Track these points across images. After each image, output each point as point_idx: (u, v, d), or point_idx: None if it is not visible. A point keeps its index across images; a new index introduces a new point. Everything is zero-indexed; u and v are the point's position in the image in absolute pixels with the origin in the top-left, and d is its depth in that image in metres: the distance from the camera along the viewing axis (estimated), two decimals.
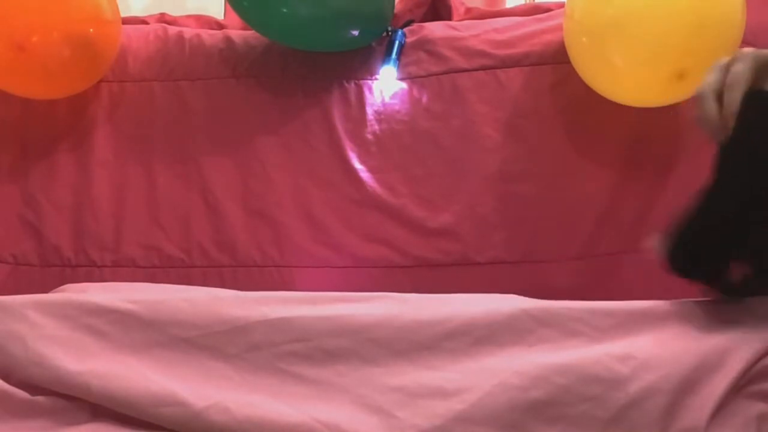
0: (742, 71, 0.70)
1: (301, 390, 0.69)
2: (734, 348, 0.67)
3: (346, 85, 1.34)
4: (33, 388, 0.73)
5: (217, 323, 0.73)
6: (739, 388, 0.65)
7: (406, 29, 1.35)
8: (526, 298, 0.77)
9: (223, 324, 0.73)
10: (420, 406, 0.67)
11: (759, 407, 0.64)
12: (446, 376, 0.68)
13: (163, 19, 1.47)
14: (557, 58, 1.25)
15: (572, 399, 0.65)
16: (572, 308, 0.74)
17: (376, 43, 1.35)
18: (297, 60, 1.35)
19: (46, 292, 1.02)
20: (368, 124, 1.31)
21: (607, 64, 1.11)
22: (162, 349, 0.72)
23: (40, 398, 0.73)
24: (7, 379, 0.74)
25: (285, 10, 1.23)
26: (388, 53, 1.31)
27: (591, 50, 1.13)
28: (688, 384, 0.65)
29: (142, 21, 1.47)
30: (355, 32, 1.28)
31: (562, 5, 1.36)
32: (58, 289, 0.90)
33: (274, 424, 0.66)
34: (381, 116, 1.31)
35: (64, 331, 0.74)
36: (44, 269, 1.31)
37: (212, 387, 0.69)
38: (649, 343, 0.70)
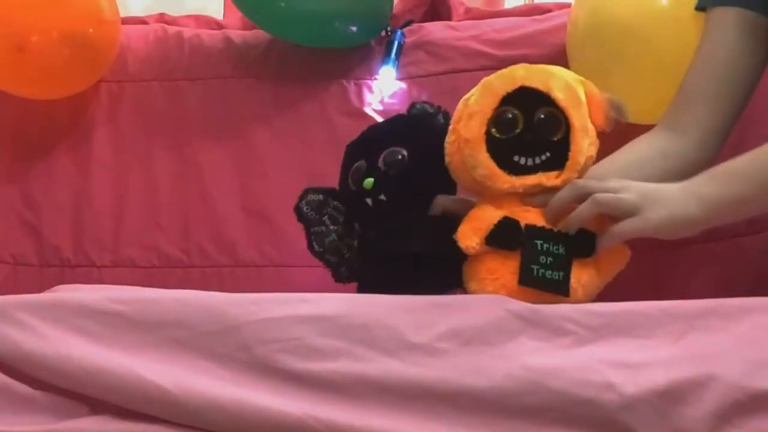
0: None
1: (294, 387, 0.69)
2: (727, 354, 0.67)
3: (346, 84, 1.34)
4: (32, 380, 0.73)
5: (207, 323, 0.73)
6: (737, 401, 0.64)
7: (405, 29, 1.35)
8: (513, 300, 0.77)
9: (212, 324, 0.73)
10: (413, 408, 0.67)
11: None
12: (438, 377, 0.68)
13: (162, 19, 1.47)
14: (557, 59, 1.24)
15: (566, 403, 0.65)
16: (559, 308, 0.74)
17: (375, 43, 1.35)
18: (296, 60, 1.35)
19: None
20: (368, 124, 1.31)
21: (611, 80, 1.09)
22: (153, 349, 0.72)
23: (39, 393, 0.73)
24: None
25: (283, 5, 1.23)
26: (387, 53, 1.31)
27: (593, 65, 1.12)
28: (682, 388, 0.65)
29: (142, 21, 1.47)
30: (353, 28, 1.28)
31: (561, 6, 1.37)
32: (50, 290, 0.90)
33: (269, 421, 0.66)
34: (381, 116, 1.31)
35: (53, 332, 0.73)
36: (43, 269, 1.32)
37: (205, 386, 0.69)
38: (642, 344, 0.70)
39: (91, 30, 1.27)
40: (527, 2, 1.83)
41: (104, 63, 1.33)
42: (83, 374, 0.72)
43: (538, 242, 0.84)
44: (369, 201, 0.93)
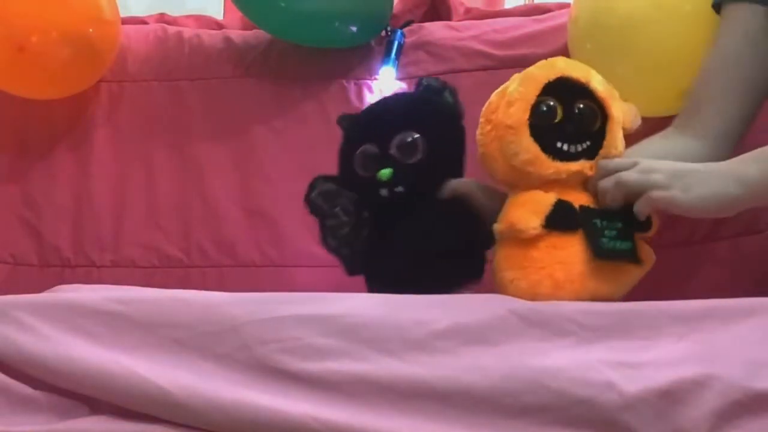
0: None
1: (294, 387, 0.69)
2: (727, 355, 0.67)
3: (346, 84, 1.34)
4: (32, 380, 0.73)
5: (207, 323, 0.73)
6: (736, 401, 0.64)
7: (405, 29, 1.35)
8: (514, 299, 0.77)
9: (212, 324, 0.73)
10: (413, 408, 0.67)
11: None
12: (438, 376, 0.68)
13: (162, 19, 1.48)
14: None
15: (566, 403, 0.65)
16: (561, 308, 0.74)
17: (375, 43, 1.35)
18: (296, 60, 1.35)
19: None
20: None
21: (612, 75, 1.09)
22: (153, 350, 0.72)
23: (39, 393, 0.73)
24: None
25: (283, 5, 1.23)
26: (387, 53, 1.31)
27: (594, 61, 1.12)
28: (683, 388, 0.65)
29: (142, 21, 1.47)
30: (353, 28, 1.28)
31: (561, 6, 1.36)
32: (50, 290, 0.90)
33: (269, 421, 0.66)
34: None
35: (53, 332, 0.74)
36: (43, 269, 1.32)
37: (205, 386, 0.69)
38: (643, 344, 0.70)
39: (91, 30, 1.26)
40: (527, 2, 1.83)
41: (104, 63, 1.33)
42: (83, 374, 0.72)
43: (597, 221, 0.84)
44: (384, 192, 0.89)
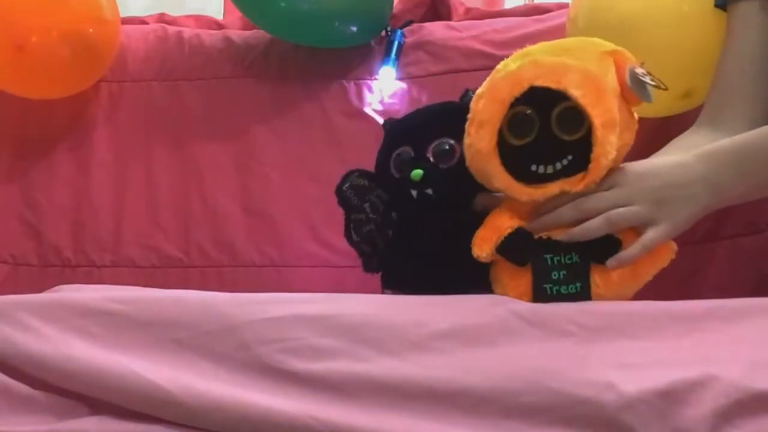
0: None
1: (294, 387, 0.69)
2: (727, 355, 0.67)
3: (346, 84, 1.34)
4: (32, 380, 0.73)
5: (207, 323, 0.73)
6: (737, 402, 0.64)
7: (405, 29, 1.35)
8: (515, 300, 0.77)
9: (212, 324, 0.73)
10: (413, 408, 0.67)
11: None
12: (438, 376, 0.68)
13: (162, 19, 1.48)
14: None
15: (566, 403, 0.65)
16: (561, 308, 0.74)
17: (375, 42, 1.35)
18: (296, 60, 1.35)
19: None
20: (368, 123, 1.31)
21: None
22: (153, 350, 0.72)
23: (39, 393, 0.73)
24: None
25: (283, 5, 1.23)
26: (387, 53, 1.31)
27: None
28: (683, 388, 0.65)
29: (142, 21, 1.47)
30: (353, 28, 1.28)
31: (561, 6, 1.37)
32: (51, 289, 0.90)
33: (269, 421, 0.66)
34: (381, 116, 1.31)
35: (54, 332, 0.74)
36: (44, 269, 1.32)
37: (205, 386, 0.69)
38: (643, 345, 0.70)
39: (91, 30, 1.26)
40: (527, 2, 1.83)
41: (104, 63, 1.33)
42: (83, 374, 0.72)
43: (548, 257, 0.80)
44: (414, 193, 0.89)
